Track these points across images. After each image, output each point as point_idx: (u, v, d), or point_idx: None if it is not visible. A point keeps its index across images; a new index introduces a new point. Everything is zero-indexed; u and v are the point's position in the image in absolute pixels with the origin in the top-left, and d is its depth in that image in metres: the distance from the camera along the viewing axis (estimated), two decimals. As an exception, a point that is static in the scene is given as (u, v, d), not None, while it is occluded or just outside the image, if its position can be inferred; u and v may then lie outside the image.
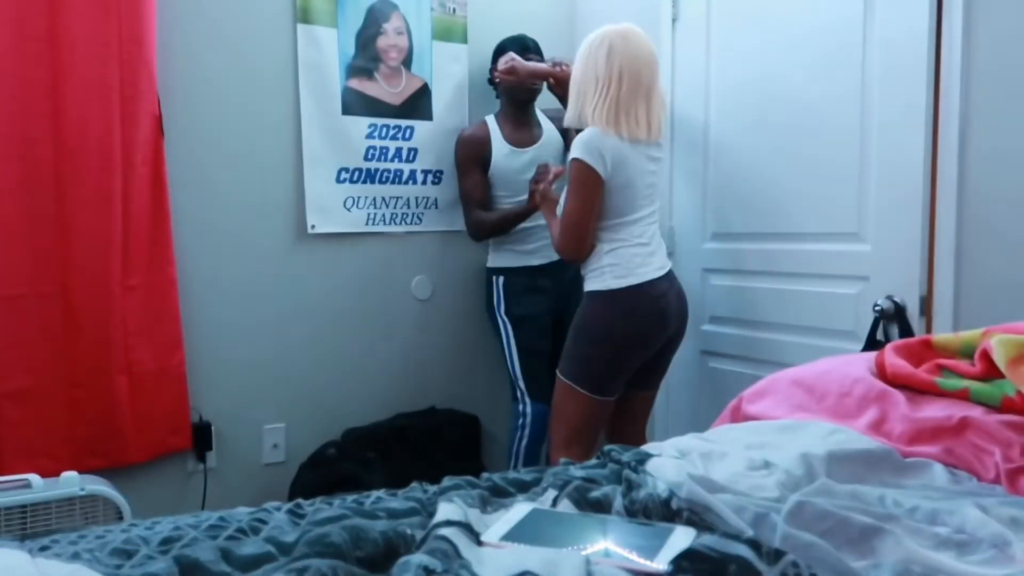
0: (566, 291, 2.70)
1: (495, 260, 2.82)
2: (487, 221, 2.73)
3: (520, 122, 2.77)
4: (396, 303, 2.89)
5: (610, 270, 2.16)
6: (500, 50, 2.76)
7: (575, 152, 2.12)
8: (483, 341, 3.05)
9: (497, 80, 2.74)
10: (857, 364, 1.32)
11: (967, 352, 1.22)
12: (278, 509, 0.97)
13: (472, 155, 2.75)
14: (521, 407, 2.67)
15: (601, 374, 2.18)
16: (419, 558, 0.76)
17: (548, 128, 2.80)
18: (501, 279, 2.77)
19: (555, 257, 2.57)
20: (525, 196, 2.63)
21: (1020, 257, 1.71)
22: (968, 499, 0.91)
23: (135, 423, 2.40)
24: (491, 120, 2.78)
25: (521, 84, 2.68)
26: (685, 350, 2.41)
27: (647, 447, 1.15)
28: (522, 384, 2.69)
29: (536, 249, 2.75)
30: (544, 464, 2.12)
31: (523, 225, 2.71)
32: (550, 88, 2.70)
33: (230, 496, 2.52)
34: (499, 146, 2.73)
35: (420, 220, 2.91)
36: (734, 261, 2.47)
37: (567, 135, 2.72)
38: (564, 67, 2.58)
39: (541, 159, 2.68)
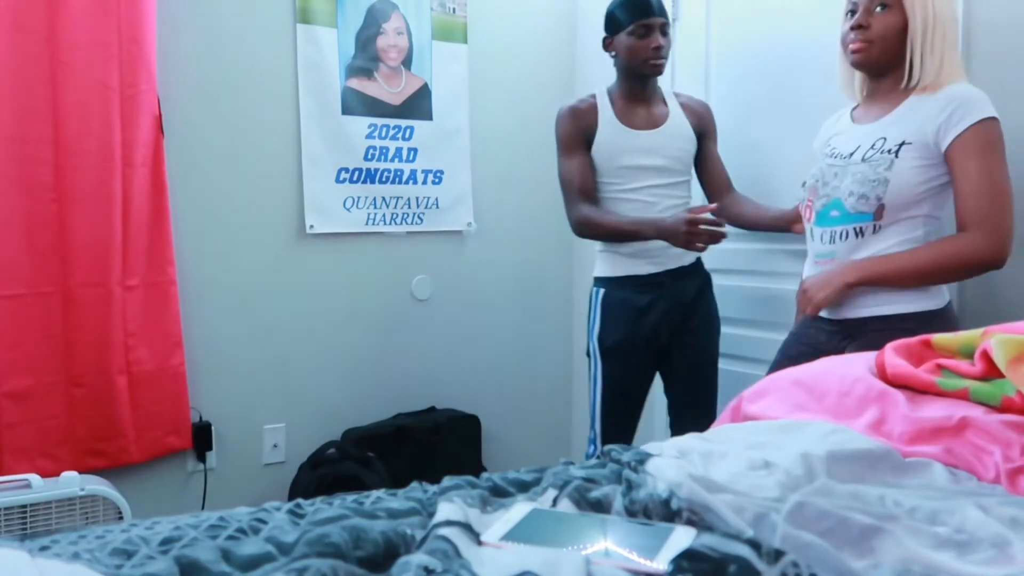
0: (684, 311, 2.23)
1: (600, 267, 2.32)
2: (597, 223, 2.19)
3: (637, 99, 2.28)
4: (396, 303, 2.89)
5: None
6: (610, 15, 2.25)
7: (986, 110, 1.58)
8: (483, 341, 3.05)
9: (612, 52, 2.27)
10: (857, 364, 1.32)
11: (967, 352, 1.22)
12: (278, 509, 0.97)
13: (574, 130, 2.26)
14: (591, 449, 2.29)
15: None
16: (419, 558, 0.76)
17: (676, 114, 2.31)
18: (601, 292, 2.29)
19: (671, 263, 2.21)
20: (633, 187, 2.21)
21: (1020, 257, 1.70)
22: (968, 499, 0.91)
23: (135, 423, 2.41)
24: (602, 94, 2.30)
25: (646, 59, 2.20)
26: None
27: (647, 447, 1.15)
28: (598, 427, 2.26)
29: (644, 251, 2.21)
30: None
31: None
32: None
33: (230, 496, 2.52)
34: (607, 122, 2.25)
35: (420, 220, 2.91)
36: (735, 261, 2.47)
37: (703, 126, 2.33)
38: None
39: (659, 149, 2.23)
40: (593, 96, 2.30)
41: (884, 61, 1.67)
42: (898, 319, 1.62)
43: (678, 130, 2.28)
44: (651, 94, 2.30)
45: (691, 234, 1.98)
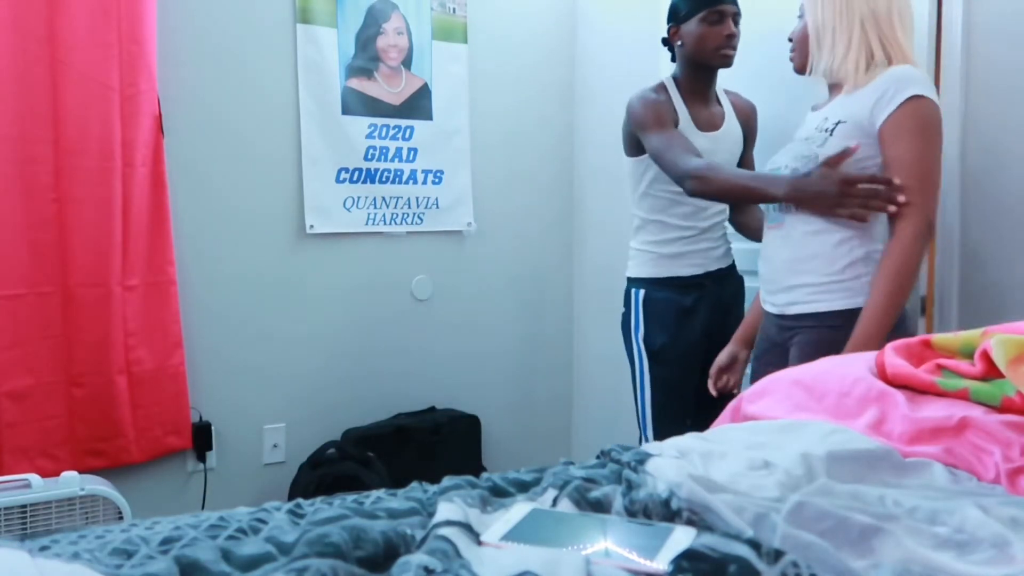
0: (723, 312, 2.18)
1: (637, 267, 2.24)
2: (715, 177, 1.89)
3: (700, 96, 2.19)
4: (396, 303, 2.89)
5: None
6: (678, 4, 2.15)
7: (918, 87, 1.59)
8: (483, 341, 3.05)
9: (678, 42, 2.15)
10: (857, 364, 1.32)
11: (967, 352, 1.22)
12: (278, 509, 0.97)
13: (665, 113, 2.10)
14: None
15: None
16: (419, 558, 0.76)
17: (730, 115, 2.23)
18: (641, 293, 2.20)
19: (711, 266, 2.19)
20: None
21: (1020, 257, 1.71)
22: (968, 499, 0.91)
23: (135, 423, 2.41)
24: (671, 87, 2.18)
25: (715, 50, 2.10)
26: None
27: (647, 447, 1.15)
28: (650, 432, 2.18)
29: (684, 253, 2.17)
30: None
31: (671, 220, 2.17)
32: None
33: (230, 496, 2.52)
34: (684, 120, 2.13)
35: (420, 220, 2.91)
36: (736, 261, 2.47)
37: (749, 128, 2.26)
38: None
39: (714, 153, 2.10)
40: (664, 89, 2.17)
41: (805, 63, 1.78)
42: (827, 316, 1.68)
43: (732, 134, 2.22)
44: (712, 90, 2.22)
45: (845, 195, 1.63)
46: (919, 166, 1.59)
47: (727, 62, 2.13)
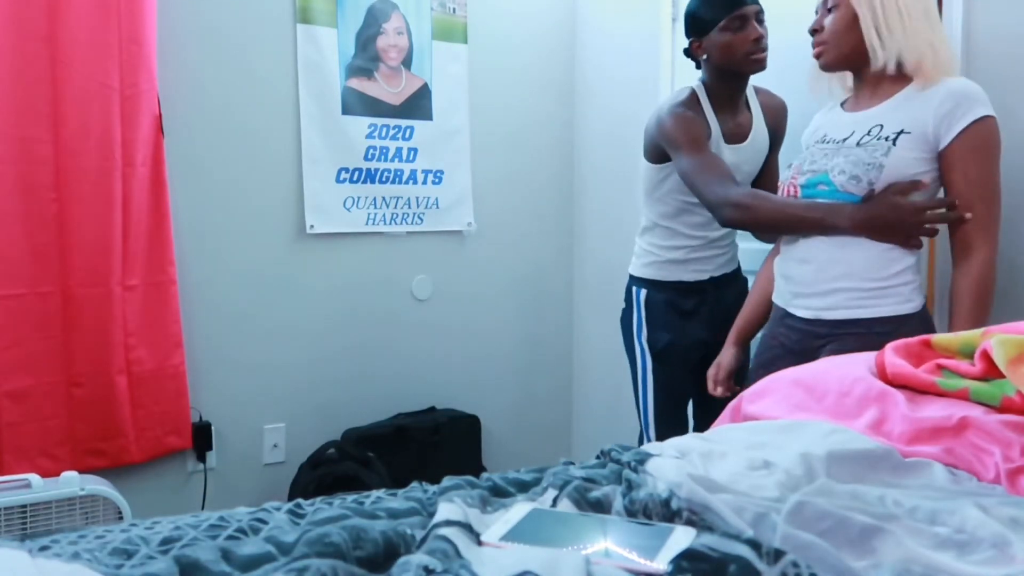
0: (725, 316, 2.09)
1: (640, 267, 2.21)
2: (761, 207, 1.78)
3: (728, 105, 2.08)
4: (396, 303, 2.89)
5: None
6: (693, 14, 2.05)
7: (985, 108, 1.55)
8: (483, 341, 3.05)
9: (703, 56, 2.05)
10: (857, 364, 1.32)
11: (967, 352, 1.22)
12: (278, 509, 0.97)
13: (699, 131, 2.00)
14: None
15: None
16: (419, 558, 0.76)
17: (759, 120, 2.12)
18: (643, 293, 2.18)
19: (715, 272, 2.16)
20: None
21: (1020, 257, 1.71)
22: (968, 499, 0.91)
23: (135, 423, 2.41)
24: (704, 99, 2.07)
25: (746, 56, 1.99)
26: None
27: (647, 447, 1.15)
28: (652, 432, 2.18)
29: (689, 260, 2.14)
30: None
31: (681, 228, 2.13)
32: None
33: (230, 496, 2.53)
34: (715, 136, 2.05)
35: (420, 220, 2.91)
36: (742, 262, 2.47)
37: (777, 131, 2.18)
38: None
39: (739, 165, 2.04)
40: (696, 100, 2.06)
41: (846, 56, 1.68)
42: (875, 322, 1.62)
43: (758, 143, 2.12)
44: (743, 96, 2.11)
45: (917, 225, 1.60)
46: (988, 189, 1.56)
47: (760, 66, 2.01)
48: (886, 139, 1.60)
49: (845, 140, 1.67)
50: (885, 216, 1.58)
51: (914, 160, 1.59)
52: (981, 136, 1.55)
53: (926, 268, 1.89)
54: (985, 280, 1.57)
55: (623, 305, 2.27)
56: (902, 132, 1.59)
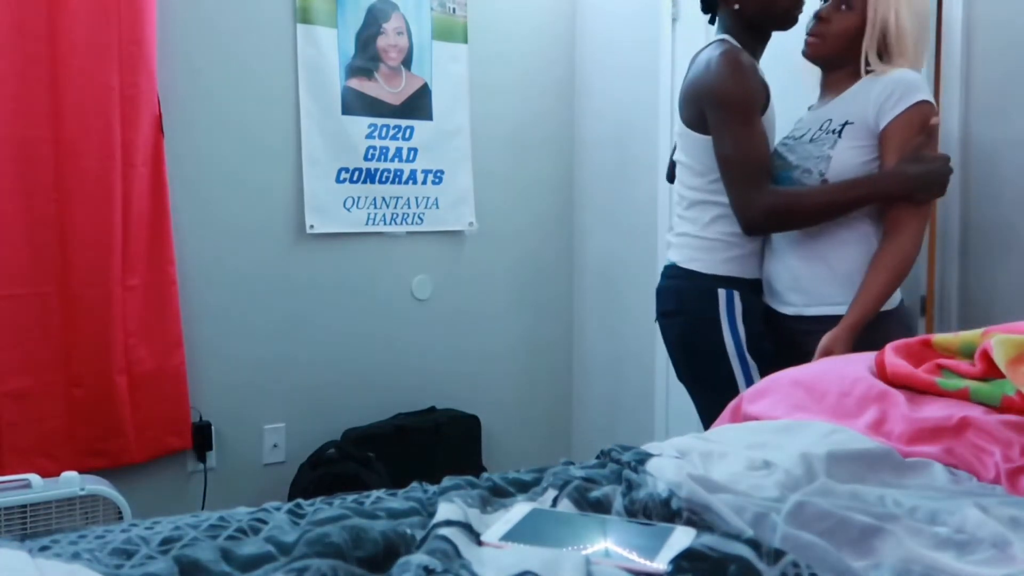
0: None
1: (720, 263, 1.80)
2: (800, 207, 1.66)
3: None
4: (396, 303, 2.89)
5: None
6: None
7: (923, 94, 1.61)
8: (483, 341, 3.05)
9: (735, 5, 1.78)
10: (857, 364, 1.32)
11: (967, 352, 1.22)
12: (278, 509, 0.97)
13: (759, 88, 1.76)
14: None
15: None
16: (419, 558, 0.76)
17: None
18: (735, 295, 1.77)
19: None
20: None
21: (1020, 256, 1.71)
22: (968, 499, 0.91)
23: (135, 423, 2.41)
24: (740, 49, 1.78)
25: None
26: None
27: (647, 447, 1.15)
28: None
29: (759, 251, 1.83)
30: None
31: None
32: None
33: (230, 496, 2.52)
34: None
35: (420, 220, 2.91)
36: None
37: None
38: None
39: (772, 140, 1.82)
40: (739, 47, 1.76)
41: (834, 57, 1.72)
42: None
43: (770, 116, 1.84)
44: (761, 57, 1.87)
45: (950, 173, 1.65)
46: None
47: (793, 23, 1.81)
48: (833, 132, 1.68)
49: (802, 137, 1.75)
50: (939, 169, 1.63)
51: (859, 148, 1.65)
52: (916, 118, 1.61)
53: (926, 268, 1.90)
54: (909, 256, 1.63)
55: (681, 312, 1.85)
56: (847, 123, 1.67)
